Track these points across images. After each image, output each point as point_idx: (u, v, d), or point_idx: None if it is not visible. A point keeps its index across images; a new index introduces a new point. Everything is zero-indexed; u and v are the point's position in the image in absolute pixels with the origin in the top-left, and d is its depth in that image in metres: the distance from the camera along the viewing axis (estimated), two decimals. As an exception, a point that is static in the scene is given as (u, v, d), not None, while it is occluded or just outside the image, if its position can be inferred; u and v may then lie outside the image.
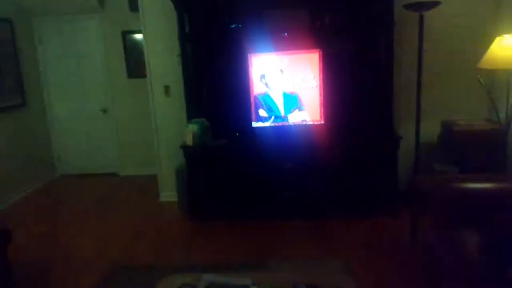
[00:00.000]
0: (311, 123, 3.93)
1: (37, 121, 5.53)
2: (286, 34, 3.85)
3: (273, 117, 3.97)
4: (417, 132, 3.74)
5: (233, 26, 3.92)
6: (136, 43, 5.27)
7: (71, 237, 3.96)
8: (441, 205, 2.61)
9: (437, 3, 3.59)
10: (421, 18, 3.68)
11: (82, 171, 5.83)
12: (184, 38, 3.95)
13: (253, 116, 3.98)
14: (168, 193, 4.63)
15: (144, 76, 4.48)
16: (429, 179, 3.12)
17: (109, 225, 4.12)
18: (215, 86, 4.09)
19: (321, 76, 3.82)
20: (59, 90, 5.66)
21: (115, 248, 3.61)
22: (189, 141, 3.90)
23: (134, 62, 5.36)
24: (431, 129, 4.01)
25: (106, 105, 5.62)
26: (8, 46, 4.97)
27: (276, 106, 3.96)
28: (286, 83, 3.90)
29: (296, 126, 3.95)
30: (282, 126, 3.97)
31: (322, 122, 3.90)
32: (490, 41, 3.35)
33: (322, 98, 3.86)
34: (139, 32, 4.74)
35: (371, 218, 3.84)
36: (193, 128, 3.90)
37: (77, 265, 3.34)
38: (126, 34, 5.34)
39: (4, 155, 4.86)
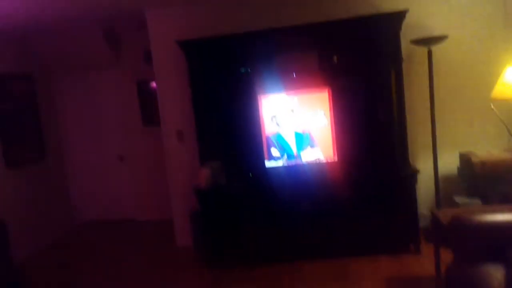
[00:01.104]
0: (324, 161, 3.89)
1: (55, 172, 5.63)
2: (294, 74, 3.91)
3: (285, 156, 3.95)
4: (435, 166, 3.67)
5: (242, 71, 4.01)
6: (150, 91, 5.42)
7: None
8: (463, 239, 2.50)
9: (444, 37, 3.63)
10: (430, 52, 3.71)
11: (100, 218, 5.83)
12: (194, 84, 4.05)
13: (266, 156, 3.97)
14: (185, 238, 4.57)
15: (159, 123, 4.56)
16: (450, 212, 3.02)
17: (128, 269, 4.05)
18: (227, 129, 4.13)
19: (332, 113, 3.82)
20: (77, 140, 5.80)
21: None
22: (203, 184, 3.90)
23: (149, 109, 5.49)
24: (450, 162, 3.91)
25: (123, 152, 5.71)
26: (28, 101, 5.17)
27: (288, 145, 3.95)
28: (297, 122, 3.91)
29: (309, 164, 3.91)
30: (296, 165, 3.94)
31: (336, 159, 3.86)
32: (501, 70, 3.33)
33: (334, 135, 3.85)
34: (153, 80, 4.89)
35: (393, 255, 3.69)
36: (206, 170, 3.91)
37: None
38: (141, 83, 5.51)
39: (23, 206, 4.92)
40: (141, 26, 4.47)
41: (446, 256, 3.11)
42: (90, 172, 5.82)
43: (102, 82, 5.65)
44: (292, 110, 3.91)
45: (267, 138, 3.97)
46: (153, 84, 5.17)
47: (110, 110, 5.69)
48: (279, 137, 3.96)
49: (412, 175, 3.67)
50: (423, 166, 3.92)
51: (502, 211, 2.59)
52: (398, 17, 3.62)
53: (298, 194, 3.82)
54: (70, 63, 5.53)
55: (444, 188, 3.86)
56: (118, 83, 5.59)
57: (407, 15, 3.59)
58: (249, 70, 4.00)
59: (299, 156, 3.93)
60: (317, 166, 3.89)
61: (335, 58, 3.85)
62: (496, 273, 2.10)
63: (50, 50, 5.43)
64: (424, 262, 3.53)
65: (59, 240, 5.34)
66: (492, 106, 3.48)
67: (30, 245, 4.93)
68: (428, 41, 3.67)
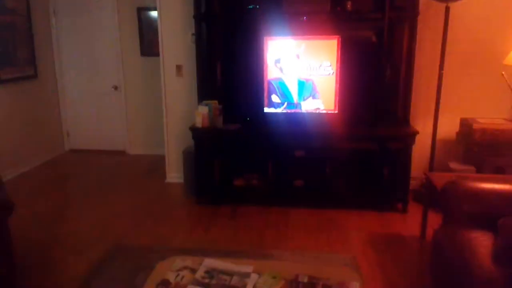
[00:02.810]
0: (324, 111, 3.81)
1: (48, 93, 5.50)
2: (305, 18, 3.71)
3: (286, 104, 3.86)
4: (434, 129, 3.61)
5: (250, 7, 3.79)
6: (151, 20, 5.17)
7: (74, 215, 3.95)
8: (454, 203, 2.51)
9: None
10: (447, 9, 3.52)
11: (90, 146, 5.80)
12: (199, 17, 3.85)
13: (266, 101, 3.87)
14: (175, 175, 4.57)
15: (157, 54, 4.39)
16: (444, 176, 3.01)
17: (113, 204, 4.07)
18: (229, 68, 3.99)
19: (339, 63, 3.68)
20: (71, 64, 5.61)
21: (118, 227, 3.57)
22: (199, 123, 3.83)
23: (148, 40, 5.28)
24: (449, 126, 3.87)
25: (118, 82, 5.55)
26: (22, 17, 4.92)
27: (290, 93, 3.84)
28: (302, 69, 3.78)
29: (309, 114, 3.84)
30: (295, 113, 3.86)
31: (336, 111, 3.78)
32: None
33: (338, 86, 3.73)
34: (154, 9, 4.64)
35: (380, 211, 3.74)
36: (203, 109, 3.82)
37: (78, 243, 3.30)
38: (141, 11, 5.25)
39: (15, 126, 4.84)
40: None
41: (433, 219, 3.17)
42: (83, 98, 5.69)
43: (101, 4, 5.36)
44: (298, 56, 3.76)
45: (269, 83, 3.85)
46: (154, 13, 4.94)
47: (107, 36, 5.45)
48: (281, 83, 3.84)
49: (411, 135, 3.63)
50: (422, 127, 3.86)
51: (496, 180, 2.59)
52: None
53: (293, 142, 3.77)
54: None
55: (440, 153, 3.84)
56: (118, 7, 5.31)
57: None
58: (257, 7, 3.78)
59: (299, 105, 3.84)
60: (317, 116, 3.82)
61: (349, 4, 3.64)
62: (484, 240, 2.11)
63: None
64: (410, 222, 3.58)
65: (47, 165, 5.33)
66: (503, 73, 3.37)
67: (17, 166, 4.90)
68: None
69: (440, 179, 2.92)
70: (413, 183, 3.89)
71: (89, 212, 3.90)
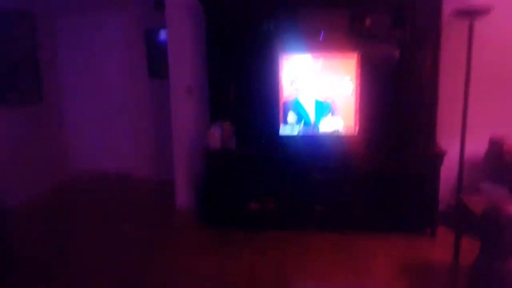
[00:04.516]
0: (343, 133, 3.63)
1: (53, 117, 5.33)
2: (322, 35, 3.57)
3: (302, 125, 3.68)
4: (462, 149, 3.43)
5: (265, 25, 3.66)
6: (159, 41, 5.05)
7: (80, 244, 3.71)
8: (498, 230, 2.30)
9: (488, 10, 3.30)
10: (471, 26, 3.39)
11: (94, 169, 5.58)
12: (211, 36, 3.71)
13: (281, 123, 3.69)
14: (185, 199, 4.35)
15: (166, 77, 4.24)
16: (481, 200, 2.81)
17: (122, 232, 3.85)
18: (242, 88, 3.82)
19: (358, 82, 3.52)
20: (77, 87, 5.46)
21: (126, 259, 3.33)
22: (212, 144, 3.64)
23: (156, 61, 5.14)
24: (476, 146, 3.66)
25: (125, 103, 5.40)
26: (27, 41, 4.79)
27: (307, 114, 3.67)
28: (319, 88, 3.61)
29: (327, 135, 3.65)
30: (312, 135, 3.67)
31: (356, 132, 3.60)
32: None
33: (357, 106, 3.56)
34: (163, 29, 4.52)
35: (407, 236, 3.52)
36: (216, 130, 3.65)
37: (82, 276, 3.07)
38: (149, 32, 5.13)
39: (17, 150, 4.66)
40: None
41: (465, 245, 2.96)
42: (88, 121, 5.52)
43: (108, 26, 5.26)
44: (315, 75, 3.60)
45: (284, 104, 3.68)
46: (162, 35, 4.83)
47: (114, 58, 5.33)
48: (297, 103, 3.68)
49: (438, 155, 3.44)
50: (448, 147, 3.67)
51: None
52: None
53: (311, 166, 3.59)
54: (74, 1, 5.11)
55: (467, 173, 3.63)
56: (124, 30, 5.21)
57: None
58: (272, 26, 3.64)
59: (316, 125, 3.66)
60: (335, 138, 3.63)
61: (367, 20, 3.50)
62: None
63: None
64: (439, 247, 3.36)
65: (52, 191, 5.11)
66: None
67: (21, 192, 4.69)
68: (470, 13, 3.34)
69: (476, 203, 2.71)
70: (440, 205, 3.67)
71: (94, 243, 3.66)
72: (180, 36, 4.09)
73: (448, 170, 3.60)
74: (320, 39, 3.58)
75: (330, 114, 3.63)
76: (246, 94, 3.82)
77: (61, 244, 3.66)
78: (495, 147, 3.47)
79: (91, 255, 3.43)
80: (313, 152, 3.60)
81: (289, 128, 3.69)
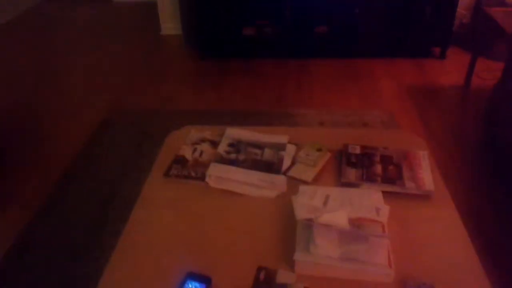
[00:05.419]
0: None
1: None
2: None
3: None
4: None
5: None
6: None
7: (64, 72, 3.40)
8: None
9: None
10: None
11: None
12: None
13: None
14: (171, 25, 3.89)
15: None
16: (509, 12, 2.42)
17: (104, 61, 3.51)
18: None
19: None
20: None
21: (113, 87, 3.08)
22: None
23: None
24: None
25: None
26: None
27: None
28: None
29: None
30: None
31: None
32: None
33: None
34: None
35: (415, 61, 3.23)
36: None
37: (70, 105, 2.86)
38: None
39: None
40: None
41: (479, 66, 2.73)
42: None
43: None
44: None
45: None
46: None
47: None
48: None
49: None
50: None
51: None
52: None
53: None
54: None
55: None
56: None
57: None
58: None
59: None
60: None
61: None
62: None
63: None
64: (449, 70, 3.11)
65: (22, 17, 4.56)
66: None
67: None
68: None
69: (505, 16, 2.32)
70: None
71: (79, 71, 3.37)
72: None
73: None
74: None
75: None
76: None
77: (40, 69, 3.36)
78: None
79: (75, 80, 3.17)
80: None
81: None
